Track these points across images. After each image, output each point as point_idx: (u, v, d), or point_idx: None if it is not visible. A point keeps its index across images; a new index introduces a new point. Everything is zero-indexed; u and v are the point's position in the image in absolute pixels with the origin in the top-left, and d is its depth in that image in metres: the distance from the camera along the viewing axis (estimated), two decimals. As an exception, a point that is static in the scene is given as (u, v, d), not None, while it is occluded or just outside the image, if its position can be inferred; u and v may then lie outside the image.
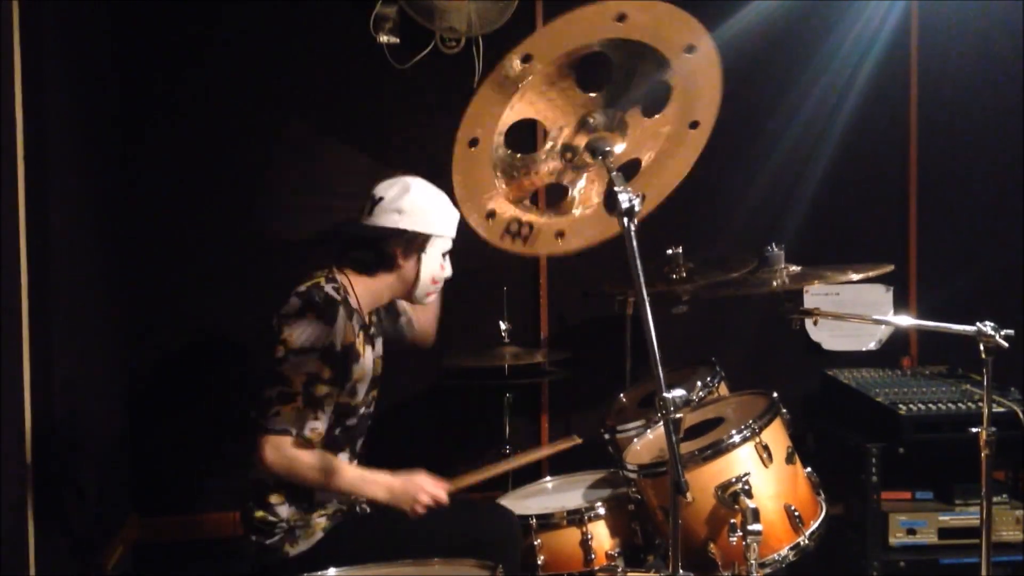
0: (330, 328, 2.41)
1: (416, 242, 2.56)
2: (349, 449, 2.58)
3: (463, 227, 2.19)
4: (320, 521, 2.48)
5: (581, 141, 2.08)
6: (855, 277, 2.96)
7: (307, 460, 2.40)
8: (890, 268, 2.97)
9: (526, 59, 1.92)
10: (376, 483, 2.46)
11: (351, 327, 2.48)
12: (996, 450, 2.48)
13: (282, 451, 2.37)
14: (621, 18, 1.93)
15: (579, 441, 2.78)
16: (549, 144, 2.12)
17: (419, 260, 2.57)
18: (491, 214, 2.13)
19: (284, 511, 2.45)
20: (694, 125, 2.17)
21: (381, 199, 2.55)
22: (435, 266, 2.60)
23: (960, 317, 2.54)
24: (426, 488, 2.45)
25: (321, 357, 2.39)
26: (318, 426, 2.41)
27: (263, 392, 2.41)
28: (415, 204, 2.54)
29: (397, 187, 2.57)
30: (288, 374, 2.38)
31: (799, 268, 2.96)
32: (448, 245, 2.62)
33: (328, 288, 2.48)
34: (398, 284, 2.61)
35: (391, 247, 2.55)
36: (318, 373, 2.39)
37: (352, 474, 2.48)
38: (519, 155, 2.11)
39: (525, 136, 2.24)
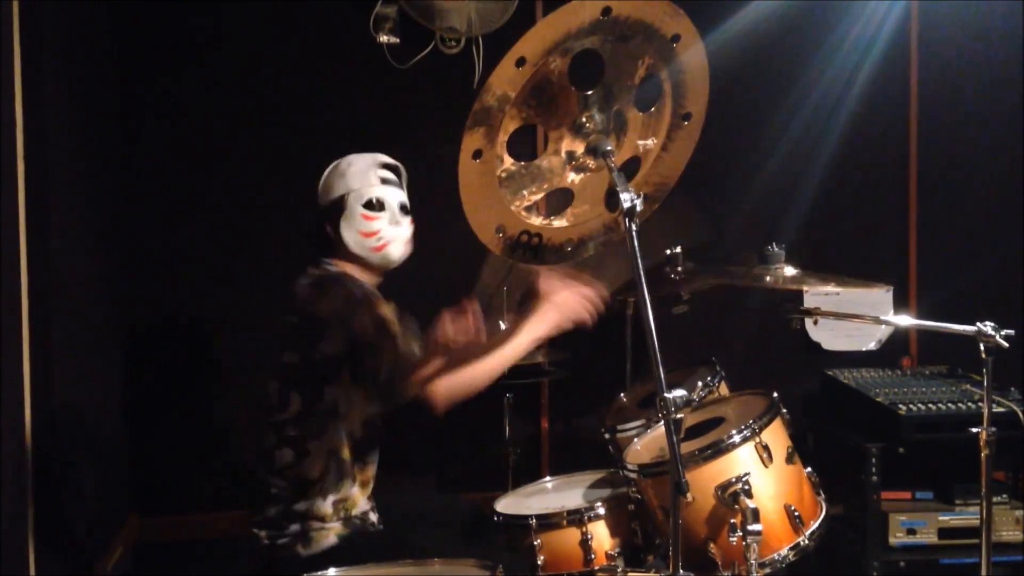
0: (356, 281, 2.44)
1: (333, 210, 2.55)
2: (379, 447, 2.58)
3: (464, 229, 2.19)
4: (337, 527, 2.46)
5: (581, 143, 2.09)
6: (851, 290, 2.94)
7: (458, 359, 2.35)
8: (888, 288, 2.94)
9: (520, 62, 1.92)
10: (530, 329, 2.38)
11: (364, 289, 2.48)
12: (996, 450, 2.48)
13: (434, 375, 2.32)
14: (606, 12, 1.94)
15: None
16: (550, 148, 2.12)
17: (337, 225, 2.53)
18: (500, 228, 2.14)
19: (329, 502, 2.43)
20: (687, 117, 2.18)
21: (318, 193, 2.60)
22: (356, 220, 2.53)
23: (960, 317, 2.54)
24: (567, 290, 2.38)
25: (371, 303, 2.39)
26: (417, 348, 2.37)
27: (364, 367, 2.36)
28: (325, 179, 2.58)
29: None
30: (365, 334, 2.34)
31: (796, 271, 2.95)
32: (368, 194, 2.53)
33: (319, 270, 2.51)
34: (353, 257, 2.55)
35: (321, 229, 2.55)
36: (381, 315, 2.37)
37: (508, 345, 2.39)
38: (522, 163, 2.12)
39: (526, 143, 2.24)
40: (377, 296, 2.49)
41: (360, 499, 2.50)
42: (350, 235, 2.53)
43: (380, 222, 2.54)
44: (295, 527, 2.43)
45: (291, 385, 2.46)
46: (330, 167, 2.61)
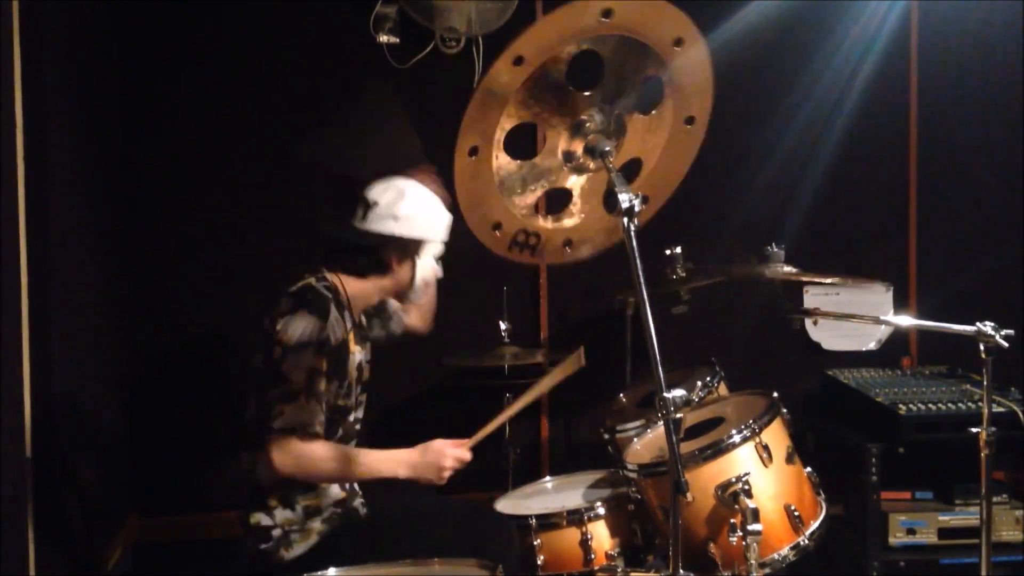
0: (323, 323, 2.39)
1: (411, 248, 2.56)
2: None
3: (465, 228, 2.19)
4: (316, 525, 2.47)
5: (579, 143, 2.08)
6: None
7: (320, 452, 2.39)
8: (888, 287, 2.94)
9: (518, 61, 1.92)
10: (395, 461, 2.44)
11: (343, 323, 2.48)
12: (996, 450, 2.48)
13: (292, 451, 2.34)
14: (607, 14, 1.94)
15: (583, 364, 2.63)
16: (548, 148, 2.12)
17: (413, 265, 2.58)
18: (497, 225, 2.14)
19: (280, 516, 2.44)
20: (690, 121, 2.17)
21: (375, 203, 2.53)
22: (428, 269, 2.61)
23: (960, 317, 2.54)
24: (447, 453, 2.44)
25: (318, 351, 2.38)
26: (323, 419, 2.40)
27: (263, 396, 2.39)
28: (410, 210, 2.53)
29: (391, 192, 2.55)
30: (288, 372, 2.36)
31: (794, 270, 2.95)
32: (440, 248, 2.62)
33: (319, 287, 2.48)
34: (390, 286, 2.60)
35: (386, 253, 2.54)
36: (317, 367, 2.37)
37: (368, 457, 2.45)
38: (519, 162, 2.11)
39: (524, 141, 2.24)
40: (348, 336, 2.48)
41: (323, 498, 2.50)
42: (419, 279, 2.59)
43: (438, 274, 2.66)
44: (273, 534, 2.44)
45: (251, 390, 2.47)
46: (409, 193, 2.55)
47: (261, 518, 2.44)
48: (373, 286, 2.58)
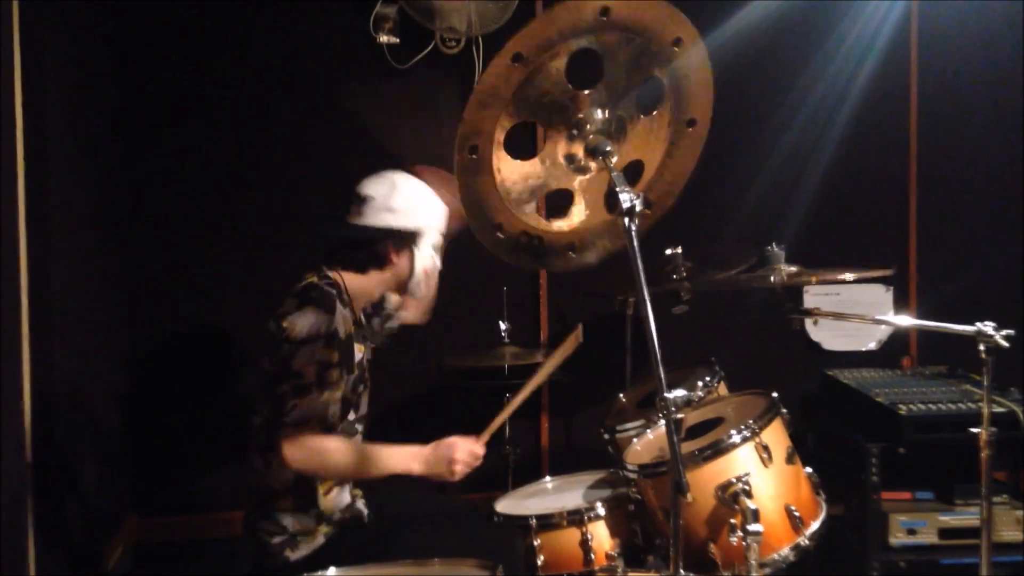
0: (331, 316, 2.39)
1: (408, 239, 2.56)
2: None
3: (464, 228, 2.19)
4: (323, 528, 2.46)
5: (580, 143, 2.08)
6: (851, 278, 2.93)
7: (334, 446, 2.38)
8: (889, 272, 2.93)
9: (516, 59, 1.92)
10: (408, 455, 2.44)
11: (347, 319, 2.48)
12: (996, 450, 2.48)
13: (306, 445, 2.33)
14: (605, 12, 1.93)
15: (581, 340, 2.65)
16: (549, 148, 2.12)
17: (412, 256, 2.57)
18: (499, 227, 2.13)
19: (288, 519, 2.43)
20: (691, 123, 2.17)
21: (369, 198, 2.54)
22: (427, 259, 2.60)
23: (960, 317, 2.54)
24: (460, 447, 2.43)
25: (327, 343, 2.37)
26: (337, 410, 2.39)
27: (274, 392, 2.37)
28: (405, 201, 2.53)
29: (385, 184, 2.55)
30: (298, 366, 2.35)
31: (795, 268, 2.95)
32: (438, 238, 2.62)
33: (322, 284, 2.48)
34: (391, 280, 2.60)
35: (384, 246, 2.54)
36: (327, 359, 2.37)
37: (381, 452, 2.44)
38: (520, 162, 2.11)
39: (525, 142, 2.24)
40: (343, 333, 2.47)
41: (332, 501, 2.49)
42: (419, 269, 2.58)
43: (437, 265, 2.63)
44: (279, 535, 2.43)
45: (263, 390, 2.46)
46: (401, 184, 2.55)
47: (269, 519, 2.43)
48: (374, 281, 2.58)
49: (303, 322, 2.36)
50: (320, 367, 2.36)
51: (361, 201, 2.54)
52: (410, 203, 2.54)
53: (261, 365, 2.46)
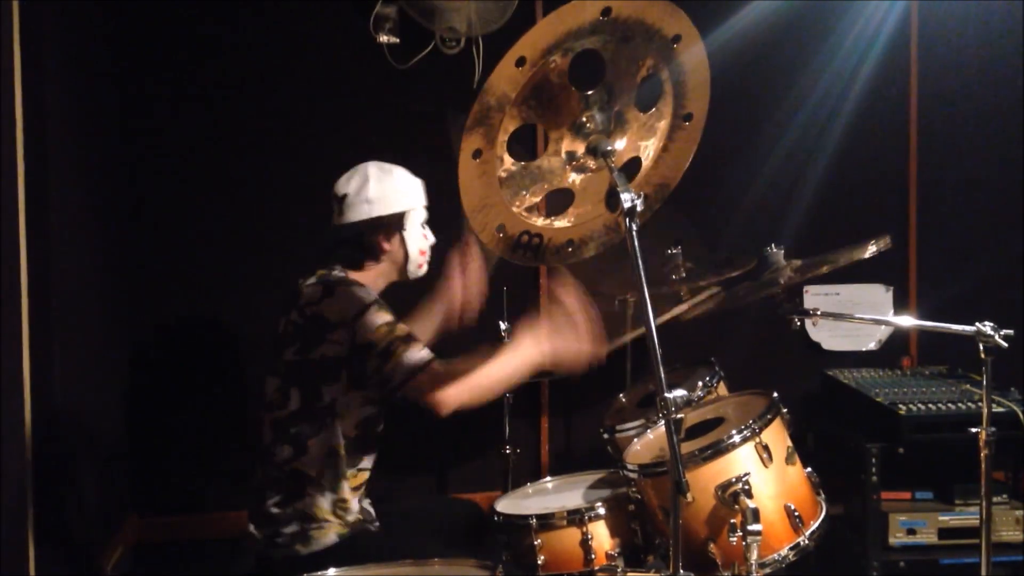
0: (364, 287, 2.46)
1: (394, 223, 2.58)
2: (376, 451, 2.58)
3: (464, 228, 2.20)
4: (336, 525, 2.46)
5: (581, 142, 2.08)
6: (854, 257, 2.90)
7: (463, 367, 2.39)
8: (886, 240, 2.88)
9: (519, 62, 1.92)
10: (523, 347, 2.45)
11: (372, 294, 2.50)
12: (996, 450, 2.48)
13: (441, 381, 2.35)
14: (606, 12, 1.94)
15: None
16: (550, 148, 2.12)
17: (403, 240, 2.59)
18: (500, 228, 2.14)
19: (324, 502, 2.44)
20: (688, 117, 2.18)
21: (346, 195, 2.57)
22: (418, 237, 2.62)
23: (960, 317, 2.54)
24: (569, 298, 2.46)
25: (379, 307, 2.42)
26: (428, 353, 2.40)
27: (368, 366, 2.38)
28: (380, 188, 2.56)
29: (356, 178, 2.58)
30: (369, 338, 2.37)
31: (799, 261, 2.95)
32: (424, 214, 2.64)
33: (327, 271, 2.52)
34: (390, 268, 2.62)
35: (372, 237, 2.56)
36: (387, 319, 2.40)
37: (501, 359, 2.44)
38: (523, 163, 2.11)
39: (526, 142, 2.24)
40: (382, 302, 2.50)
41: (352, 501, 2.50)
42: (412, 248, 2.60)
43: (430, 240, 2.65)
44: (293, 526, 2.43)
45: (291, 382, 2.46)
46: (373, 174, 2.58)
47: (281, 509, 2.43)
48: (374, 273, 2.60)
49: (343, 303, 2.40)
50: (387, 327, 2.39)
51: (339, 201, 2.59)
52: (385, 189, 2.57)
53: (283, 358, 2.47)
